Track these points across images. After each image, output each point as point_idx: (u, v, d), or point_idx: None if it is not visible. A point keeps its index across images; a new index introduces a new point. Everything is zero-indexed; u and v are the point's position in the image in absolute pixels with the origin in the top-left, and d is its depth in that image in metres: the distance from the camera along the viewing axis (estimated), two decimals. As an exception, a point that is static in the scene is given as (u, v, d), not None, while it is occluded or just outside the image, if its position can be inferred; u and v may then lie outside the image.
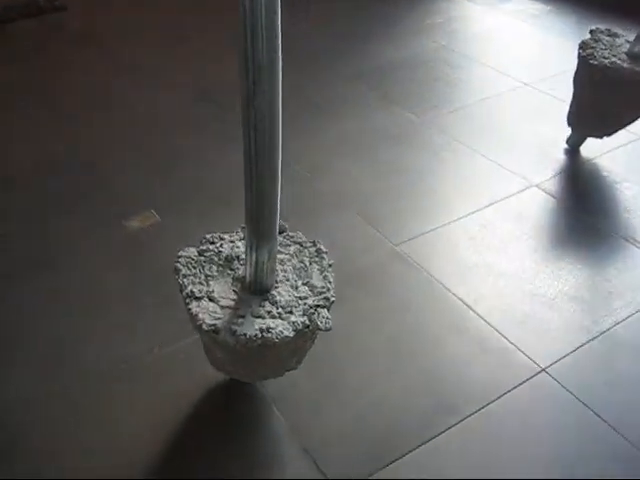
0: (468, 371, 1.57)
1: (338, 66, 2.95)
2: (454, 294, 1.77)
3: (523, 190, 2.18)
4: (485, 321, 1.69)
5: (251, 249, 1.24)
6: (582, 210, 2.10)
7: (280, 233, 1.41)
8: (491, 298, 1.76)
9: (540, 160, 2.32)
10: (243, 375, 1.43)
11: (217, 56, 2.94)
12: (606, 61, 2.07)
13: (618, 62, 2.07)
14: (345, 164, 2.30)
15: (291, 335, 1.21)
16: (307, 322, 1.23)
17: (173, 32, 3.28)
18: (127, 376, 1.54)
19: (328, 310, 1.27)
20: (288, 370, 1.37)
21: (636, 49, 2.11)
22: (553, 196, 2.15)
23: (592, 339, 1.65)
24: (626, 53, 2.13)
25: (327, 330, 1.24)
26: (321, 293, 1.32)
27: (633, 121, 2.21)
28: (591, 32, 2.26)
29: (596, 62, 2.07)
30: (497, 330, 1.67)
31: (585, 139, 2.34)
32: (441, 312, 1.73)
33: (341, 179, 2.22)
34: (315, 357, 1.43)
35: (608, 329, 1.68)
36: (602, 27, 2.28)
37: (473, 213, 2.06)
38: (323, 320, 1.24)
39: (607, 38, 2.21)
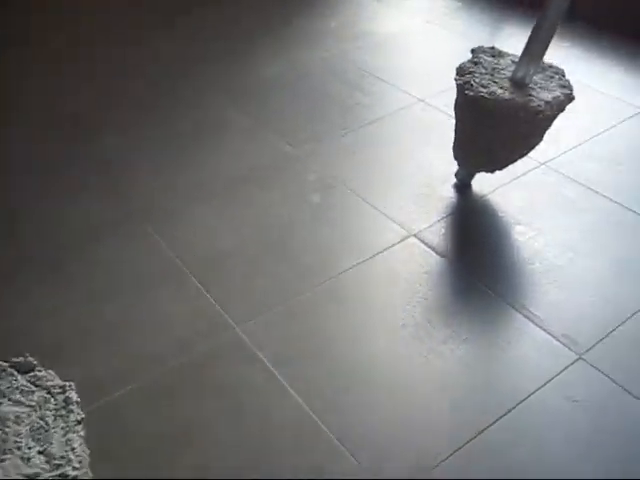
0: None
1: (207, 85, 2.59)
2: (324, 424, 1.46)
3: (399, 242, 1.87)
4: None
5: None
6: (465, 267, 1.80)
7: (25, 372, 1.09)
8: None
9: (425, 200, 2.01)
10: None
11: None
12: (484, 91, 1.75)
13: (499, 91, 1.75)
14: (201, 213, 1.96)
15: None
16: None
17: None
18: None
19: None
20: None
21: (519, 74, 1.79)
22: (433, 248, 1.85)
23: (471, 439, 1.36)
24: (510, 78, 1.81)
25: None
26: (58, 467, 0.99)
27: (524, 154, 1.90)
28: (472, 52, 1.93)
29: (472, 93, 1.76)
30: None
31: (475, 174, 2.03)
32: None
33: (192, 235, 1.89)
34: None
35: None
36: (486, 46, 1.96)
37: (330, 280, 1.75)
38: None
39: (490, 59, 1.89)
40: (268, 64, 2.73)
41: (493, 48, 1.94)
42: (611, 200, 2.00)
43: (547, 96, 1.76)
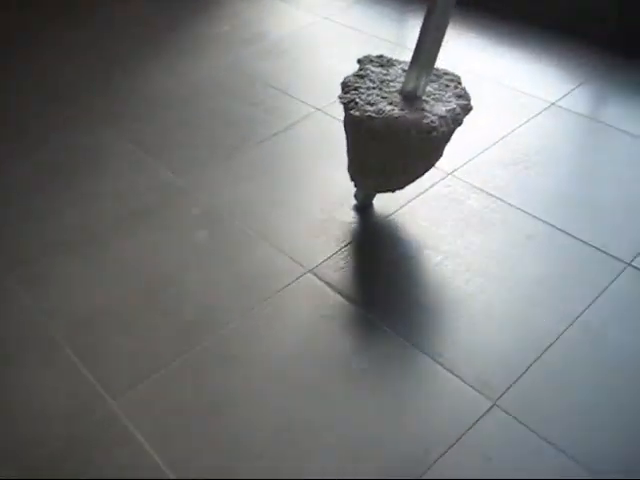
0: None
1: (83, 109, 2.34)
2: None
3: (294, 281, 1.68)
4: None
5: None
6: (366, 306, 1.63)
7: None
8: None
9: (323, 228, 1.83)
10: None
11: None
12: (371, 109, 1.56)
13: (387, 108, 1.57)
14: (73, 264, 1.74)
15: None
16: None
17: None
18: None
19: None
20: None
21: (409, 86, 1.61)
22: (332, 286, 1.67)
23: None
24: (399, 92, 1.63)
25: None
26: None
27: (423, 173, 1.73)
28: (358, 62, 1.74)
29: (358, 112, 1.57)
30: None
31: (374, 194, 1.85)
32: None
33: (63, 292, 1.66)
34: None
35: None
36: (374, 54, 1.77)
37: (217, 334, 1.56)
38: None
39: (377, 70, 1.70)
40: (153, 80, 2.50)
41: (381, 57, 1.75)
42: (521, 210, 1.85)
43: (442, 110, 1.58)
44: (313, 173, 2.03)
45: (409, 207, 1.88)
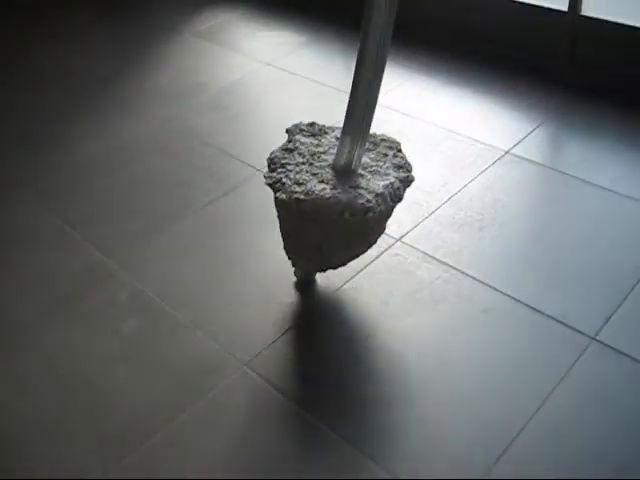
0: None
1: (3, 174, 2.18)
2: None
3: (230, 375, 1.52)
4: None
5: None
6: (306, 403, 1.48)
7: None
8: None
9: (261, 311, 1.68)
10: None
11: None
12: (299, 190, 1.41)
13: (317, 188, 1.42)
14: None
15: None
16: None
17: None
18: None
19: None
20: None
21: (342, 160, 1.46)
22: (269, 380, 1.50)
23: None
24: (332, 166, 1.48)
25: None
26: None
27: (367, 249, 1.58)
28: (287, 132, 1.59)
29: (285, 195, 1.41)
30: None
31: (314, 273, 1.70)
32: None
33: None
34: None
35: None
36: (304, 122, 1.62)
37: (142, 448, 1.38)
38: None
39: (308, 141, 1.55)
40: (83, 143, 2.33)
41: (313, 125, 1.60)
42: (476, 280, 1.71)
43: (378, 186, 1.43)
44: (251, 246, 1.87)
45: (355, 281, 1.73)
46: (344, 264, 1.60)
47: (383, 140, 1.57)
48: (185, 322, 1.65)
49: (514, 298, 1.64)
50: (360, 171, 1.48)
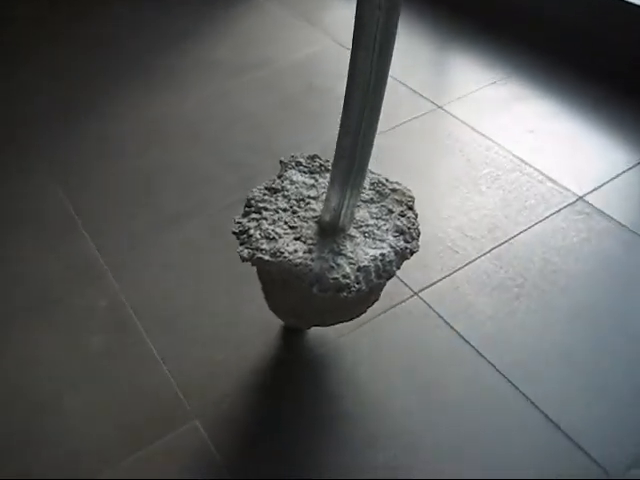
0: None
1: (31, 160, 2.05)
2: None
3: (180, 428, 1.32)
4: None
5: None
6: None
7: None
8: None
9: (234, 357, 1.47)
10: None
11: None
12: (266, 248, 1.16)
13: (288, 249, 1.17)
14: None
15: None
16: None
17: None
18: None
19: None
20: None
21: (328, 215, 1.20)
22: (215, 444, 1.30)
23: None
24: (317, 220, 1.22)
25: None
26: None
27: (357, 316, 1.32)
28: (281, 165, 1.34)
29: (246, 252, 1.17)
30: None
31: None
32: None
33: None
34: None
35: None
36: (305, 155, 1.36)
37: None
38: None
39: (301, 180, 1.30)
40: (114, 121, 2.16)
41: (315, 158, 1.33)
42: (496, 371, 1.41)
43: (367, 255, 1.16)
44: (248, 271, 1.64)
45: (349, 337, 1.47)
46: (334, 324, 1.35)
47: (394, 191, 1.28)
48: (152, 350, 1.47)
49: (547, 416, 1.32)
50: (351, 230, 1.21)
